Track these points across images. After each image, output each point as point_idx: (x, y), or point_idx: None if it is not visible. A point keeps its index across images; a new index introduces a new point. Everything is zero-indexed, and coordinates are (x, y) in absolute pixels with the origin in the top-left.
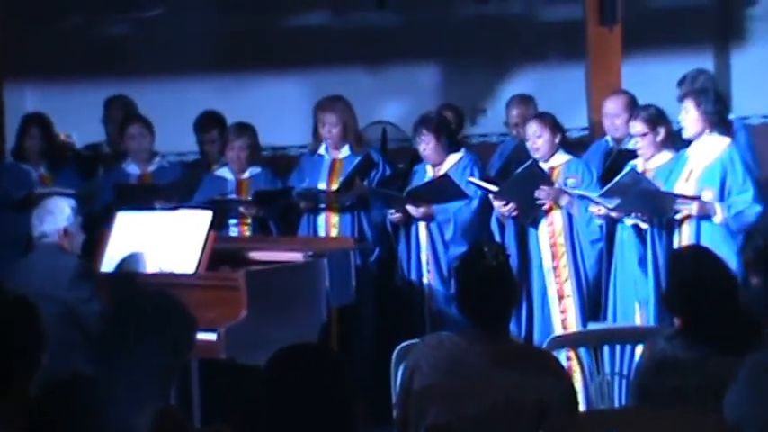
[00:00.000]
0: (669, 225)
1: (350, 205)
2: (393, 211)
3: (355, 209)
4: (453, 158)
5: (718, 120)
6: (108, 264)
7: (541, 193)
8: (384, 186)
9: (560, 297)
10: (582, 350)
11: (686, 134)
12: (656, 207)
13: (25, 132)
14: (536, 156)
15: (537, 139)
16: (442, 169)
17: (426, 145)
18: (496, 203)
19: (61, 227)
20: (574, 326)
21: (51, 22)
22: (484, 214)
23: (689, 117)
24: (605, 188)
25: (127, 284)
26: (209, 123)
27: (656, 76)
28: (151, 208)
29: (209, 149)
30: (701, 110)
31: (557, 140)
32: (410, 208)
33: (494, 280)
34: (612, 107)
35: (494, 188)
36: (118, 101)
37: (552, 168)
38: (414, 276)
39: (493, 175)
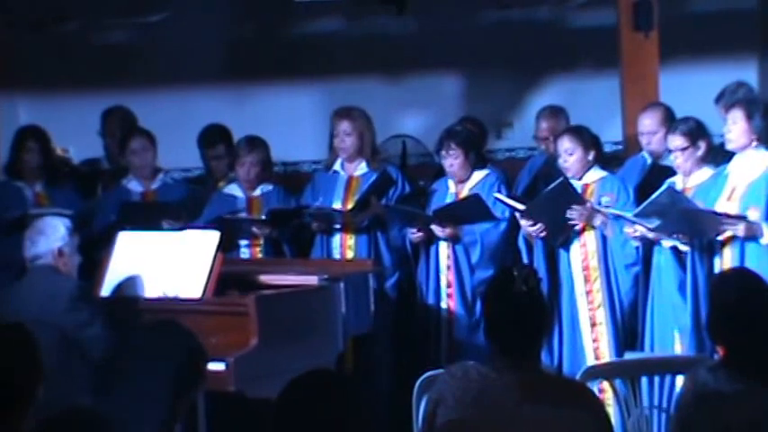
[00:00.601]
0: (710, 247)
1: (366, 226)
2: (414, 230)
3: (372, 229)
4: (478, 175)
5: (767, 133)
6: (108, 288)
7: (573, 213)
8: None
9: (593, 324)
10: (618, 382)
11: (731, 146)
12: (700, 228)
13: (21, 147)
14: (567, 174)
15: (568, 156)
16: (466, 186)
17: (454, 160)
18: (523, 223)
19: (55, 247)
20: (606, 355)
21: (45, 29)
22: (513, 237)
23: (737, 128)
24: (640, 207)
25: (126, 311)
26: (214, 138)
27: (695, 86)
28: (158, 228)
29: (215, 165)
30: (753, 122)
31: (590, 157)
32: (435, 228)
33: (524, 306)
34: (648, 123)
35: (521, 206)
36: (116, 113)
37: (586, 186)
38: (432, 301)
39: (520, 192)
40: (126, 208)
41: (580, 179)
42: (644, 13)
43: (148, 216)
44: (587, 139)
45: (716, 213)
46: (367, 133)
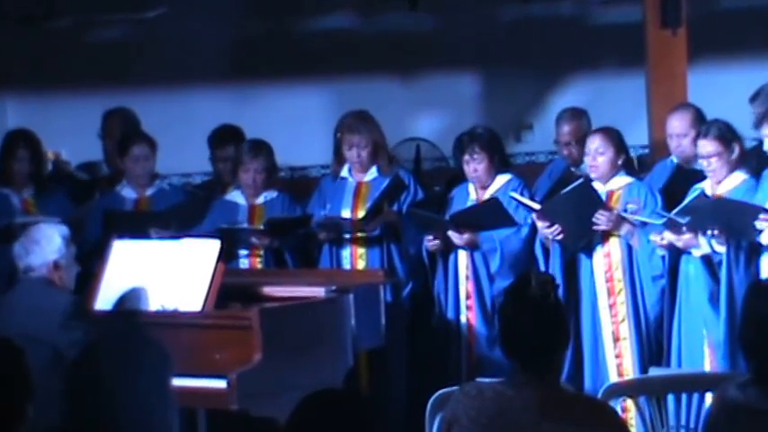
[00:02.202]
0: (751, 252)
1: (378, 235)
2: (431, 237)
3: (384, 238)
4: (501, 180)
5: None
6: (104, 301)
7: (601, 219)
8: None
9: (616, 339)
10: (643, 400)
11: None
12: (736, 224)
13: (10, 155)
14: (593, 176)
15: (598, 156)
16: (488, 192)
17: (478, 165)
18: (539, 224)
19: (50, 260)
20: (630, 372)
21: (36, 24)
22: (534, 244)
23: None
24: (675, 210)
25: (123, 325)
26: (224, 138)
27: (725, 87)
28: (146, 237)
29: (222, 168)
30: None
31: (620, 161)
32: (452, 234)
33: (540, 312)
34: (677, 125)
35: (536, 206)
36: (117, 114)
37: (611, 192)
38: (451, 314)
39: (539, 200)
40: (110, 217)
41: (605, 184)
42: (672, 8)
43: (135, 225)
44: (619, 140)
45: (753, 206)
46: (380, 140)
